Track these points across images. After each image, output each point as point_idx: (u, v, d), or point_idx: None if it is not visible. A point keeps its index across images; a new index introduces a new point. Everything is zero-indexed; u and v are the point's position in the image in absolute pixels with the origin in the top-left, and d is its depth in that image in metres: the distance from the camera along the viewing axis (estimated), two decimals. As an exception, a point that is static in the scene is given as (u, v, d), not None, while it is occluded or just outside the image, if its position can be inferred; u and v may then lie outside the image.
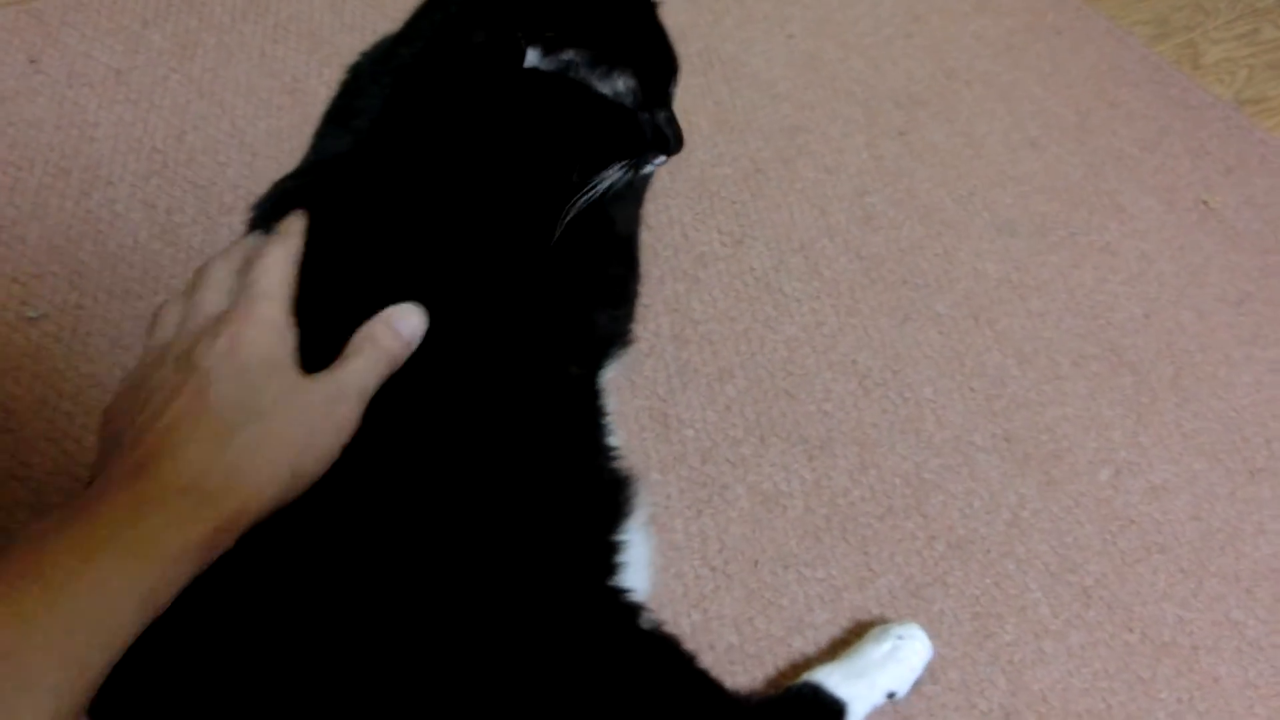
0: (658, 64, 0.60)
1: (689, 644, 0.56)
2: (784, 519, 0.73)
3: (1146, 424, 0.83)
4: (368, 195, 0.54)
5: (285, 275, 0.47)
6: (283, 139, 0.87)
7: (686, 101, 0.98)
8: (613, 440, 0.62)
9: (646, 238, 0.87)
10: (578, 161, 0.58)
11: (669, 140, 0.62)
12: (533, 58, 0.55)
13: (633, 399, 0.77)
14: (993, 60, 1.12)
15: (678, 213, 0.90)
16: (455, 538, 0.48)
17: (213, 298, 0.47)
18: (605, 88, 0.57)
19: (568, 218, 0.57)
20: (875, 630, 0.66)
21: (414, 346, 0.48)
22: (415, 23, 0.61)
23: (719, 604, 0.69)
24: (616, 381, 0.75)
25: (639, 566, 0.57)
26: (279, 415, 0.42)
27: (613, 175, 0.60)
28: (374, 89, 0.60)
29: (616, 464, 0.60)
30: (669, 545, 0.70)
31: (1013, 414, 0.82)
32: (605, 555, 0.55)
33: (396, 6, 0.62)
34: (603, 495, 0.58)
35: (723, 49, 1.05)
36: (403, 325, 0.47)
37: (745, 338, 0.83)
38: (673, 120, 0.62)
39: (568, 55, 0.55)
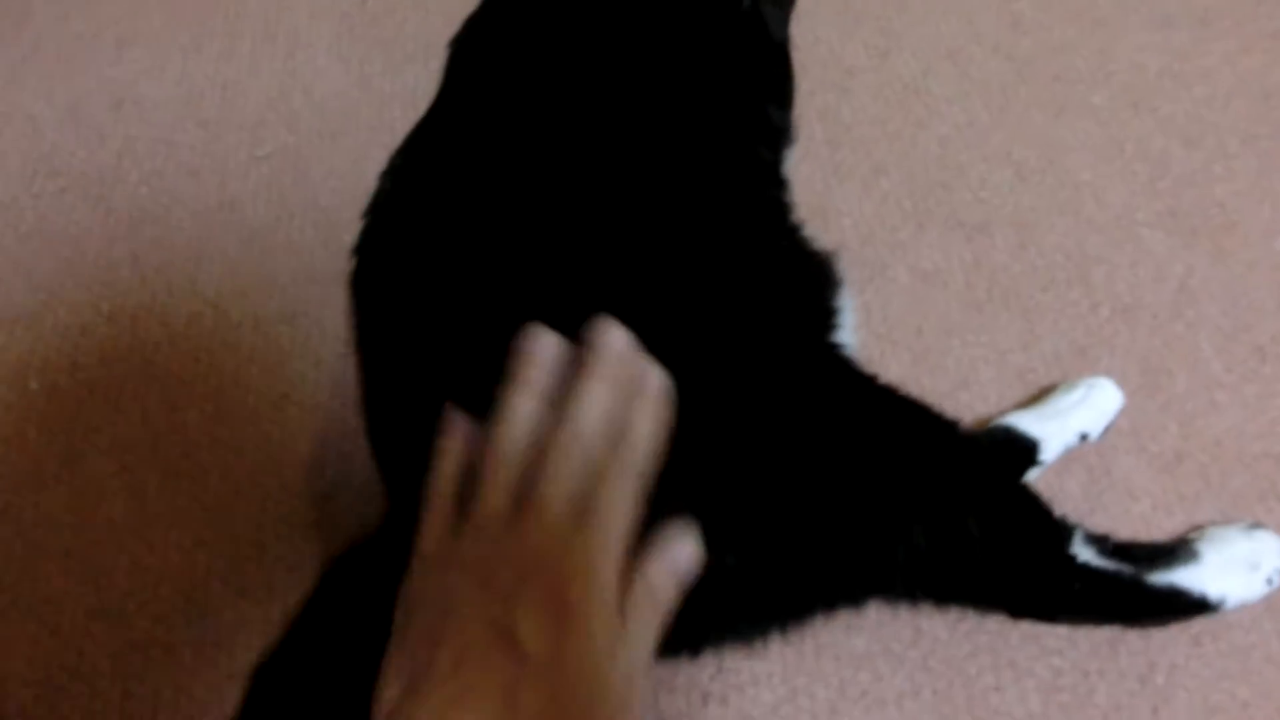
0: None
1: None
2: (945, 294, 0.76)
3: (1326, 195, 0.81)
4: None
5: (617, 541, 0.35)
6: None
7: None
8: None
9: (793, 55, 0.91)
10: None
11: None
12: None
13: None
14: None
15: (823, 31, 0.93)
16: (685, 320, 0.51)
17: (576, 464, 0.36)
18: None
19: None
20: (1065, 383, 0.69)
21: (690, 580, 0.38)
22: None
23: (884, 368, 0.72)
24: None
25: (849, 330, 0.62)
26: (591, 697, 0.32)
27: None
28: None
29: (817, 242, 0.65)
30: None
31: (1179, 192, 0.82)
32: (826, 318, 0.59)
33: None
34: (815, 266, 0.63)
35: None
36: (683, 563, 0.37)
37: (897, 137, 0.85)
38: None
39: None
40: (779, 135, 0.72)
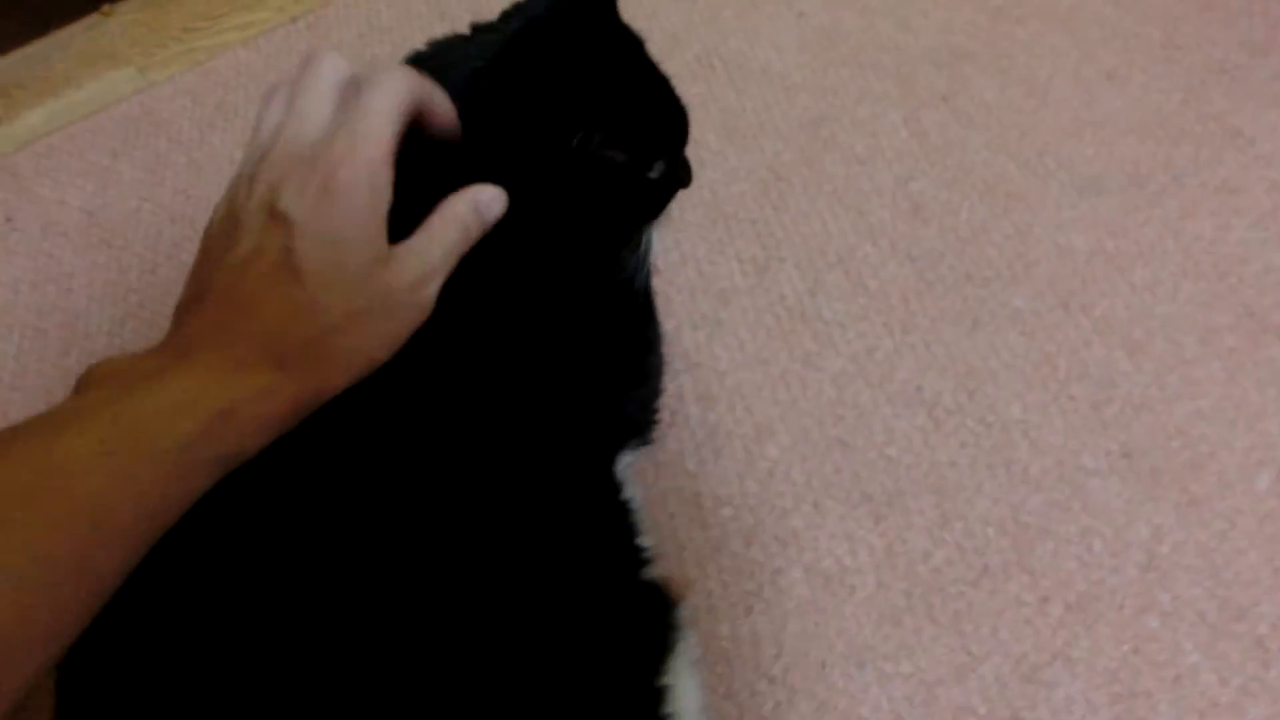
0: (677, 132, 0.59)
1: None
2: (853, 603, 0.60)
3: (1312, 405, 0.66)
4: None
5: (396, 113, 0.41)
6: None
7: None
8: (643, 541, 0.52)
9: (656, 283, 0.76)
10: (625, 234, 0.58)
11: (684, 181, 0.62)
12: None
13: (657, 481, 0.66)
14: (1046, -13, 0.94)
15: (690, 248, 0.79)
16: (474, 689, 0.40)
17: (315, 113, 0.41)
18: (651, 174, 0.57)
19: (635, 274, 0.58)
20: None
21: (488, 229, 0.45)
22: None
23: (784, 722, 0.57)
24: (638, 466, 0.65)
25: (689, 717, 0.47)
26: (365, 292, 0.39)
27: (648, 235, 0.60)
28: None
29: (651, 578, 0.51)
30: (716, 656, 0.59)
31: (1129, 421, 0.66)
32: (648, 709, 0.45)
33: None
34: (639, 626, 0.48)
35: (724, 47, 0.93)
36: (485, 209, 0.44)
37: (783, 383, 0.70)
38: (686, 163, 0.62)
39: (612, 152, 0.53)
40: (640, 430, 0.59)
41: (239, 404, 0.36)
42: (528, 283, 0.51)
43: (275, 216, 0.39)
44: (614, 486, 0.54)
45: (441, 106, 0.45)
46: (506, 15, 0.56)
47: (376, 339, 0.40)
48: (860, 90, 0.88)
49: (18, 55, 1.00)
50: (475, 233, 0.44)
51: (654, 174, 0.59)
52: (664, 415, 0.69)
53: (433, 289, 0.41)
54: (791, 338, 0.72)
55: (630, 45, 0.59)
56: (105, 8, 1.03)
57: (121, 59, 0.98)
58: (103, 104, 0.93)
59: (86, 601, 0.33)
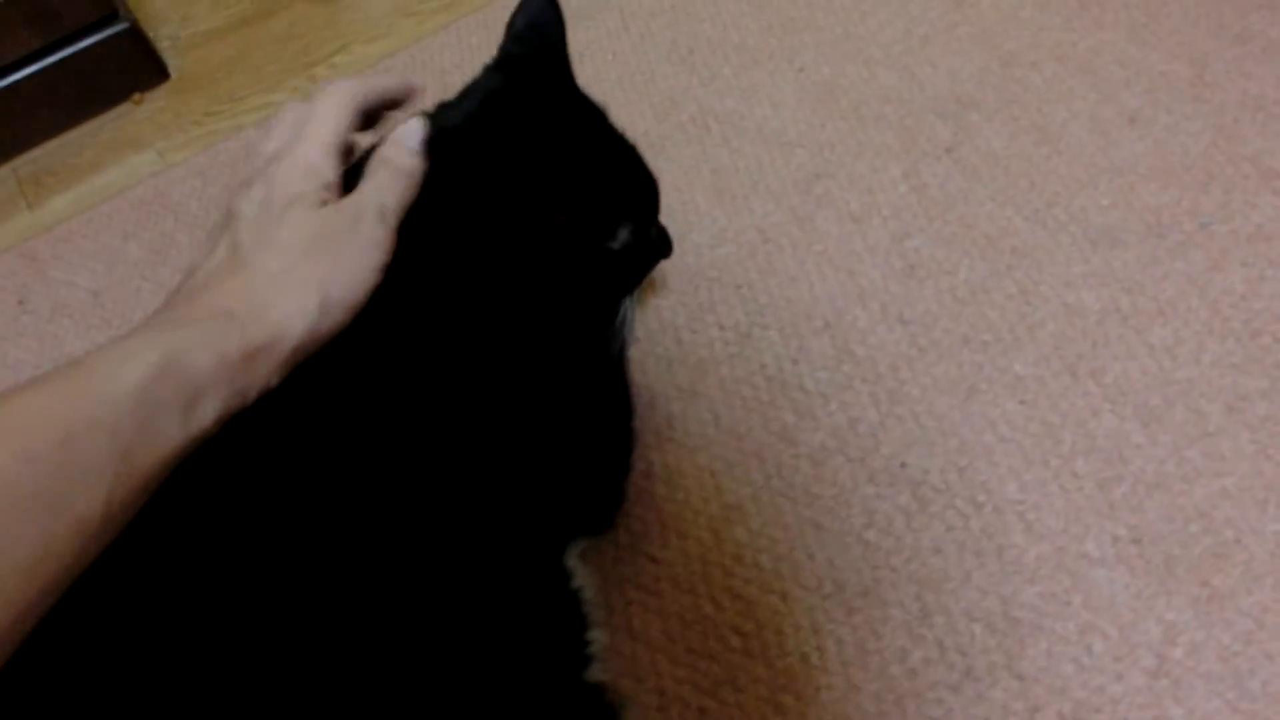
0: (642, 199, 0.59)
1: None
2: (818, 705, 0.55)
3: (1359, 483, 0.58)
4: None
5: (335, 119, 0.48)
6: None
7: (677, 178, 0.84)
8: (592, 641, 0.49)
9: (633, 353, 0.74)
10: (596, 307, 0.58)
11: (661, 250, 0.63)
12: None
13: (615, 567, 0.62)
14: (1064, 29, 0.89)
15: (670, 315, 0.75)
16: None
17: (278, 133, 0.48)
18: (613, 243, 0.56)
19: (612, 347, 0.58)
20: None
21: (420, 154, 0.48)
22: None
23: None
24: (596, 549, 0.62)
25: None
26: (296, 244, 0.43)
27: (625, 307, 0.60)
28: None
29: (595, 679, 0.48)
30: (665, 763, 0.54)
31: (1141, 502, 0.59)
32: None
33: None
34: None
35: (720, 106, 0.90)
36: (413, 141, 0.48)
37: (757, 459, 0.66)
38: (664, 233, 0.63)
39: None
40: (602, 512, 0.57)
41: (178, 353, 0.38)
42: (496, 354, 0.49)
43: (230, 215, 0.45)
44: (563, 574, 0.51)
45: (384, 87, 0.51)
46: (465, 92, 0.56)
47: (324, 284, 0.42)
48: (859, 144, 0.84)
49: (54, 144, 1.06)
50: (414, 165, 0.47)
51: (616, 244, 0.57)
52: (629, 494, 0.65)
53: (370, 227, 0.44)
54: (769, 410, 0.68)
55: (587, 114, 0.58)
56: (136, 96, 1.08)
57: (144, 144, 1.02)
58: (122, 188, 0.97)
59: (67, 541, 0.34)
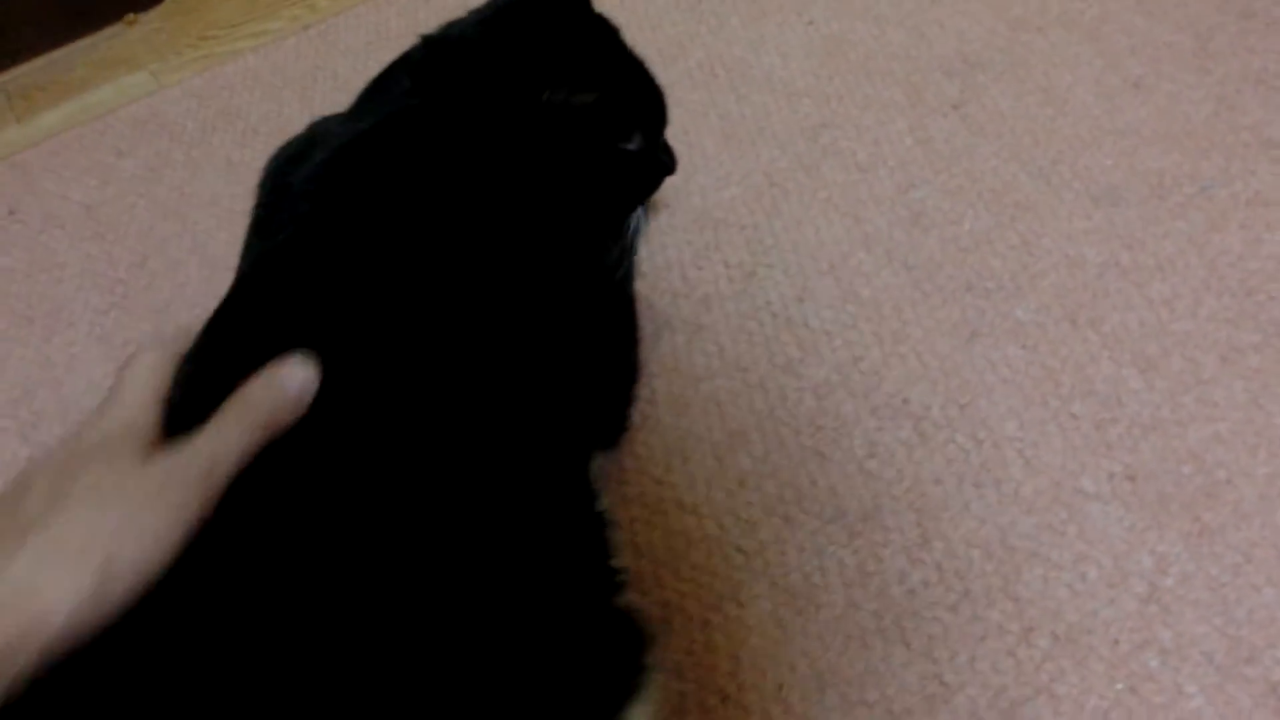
0: (652, 106, 0.61)
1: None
2: (818, 622, 0.56)
3: (1345, 430, 0.59)
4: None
5: (147, 377, 0.40)
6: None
7: (684, 121, 0.84)
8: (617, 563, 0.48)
9: (640, 287, 0.74)
10: (607, 213, 0.60)
11: (668, 166, 0.63)
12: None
13: (619, 488, 0.62)
14: (1071, -3, 0.90)
15: (675, 253, 0.76)
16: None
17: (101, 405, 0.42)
18: (629, 144, 0.58)
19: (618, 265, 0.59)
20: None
21: (301, 407, 0.39)
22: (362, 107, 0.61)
23: (733, 748, 0.52)
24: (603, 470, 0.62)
25: None
26: (81, 509, 0.35)
27: (635, 218, 0.61)
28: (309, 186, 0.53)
29: (625, 606, 0.46)
30: (668, 668, 0.54)
31: (1136, 443, 0.61)
32: None
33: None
34: (607, 660, 0.44)
35: (728, 54, 0.91)
36: (289, 381, 0.39)
37: (761, 390, 0.66)
38: (669, 150, 0.64)
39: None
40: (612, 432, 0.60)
41: None
42: (507, 265, 0.48)
43: (26, 466, 0.38)
44: (589, 495, 0.50)
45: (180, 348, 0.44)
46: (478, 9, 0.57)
47: (106, 557, 0.34)
48: (866, 97, 0.85)
49: (43, 60, 1.03)
50: (280, 412, 0.39)
51: (632, 145, 0.58)
52: (634, 419, 0.65)
53: (183, 494, 0.36)
54: (774, 345, 0.69)
55: (603, 28, 0.59)
56: (130, 17, 1.06)
57: (138, 64, 1.00)
58: (115, 106, 0.95)
59: None
